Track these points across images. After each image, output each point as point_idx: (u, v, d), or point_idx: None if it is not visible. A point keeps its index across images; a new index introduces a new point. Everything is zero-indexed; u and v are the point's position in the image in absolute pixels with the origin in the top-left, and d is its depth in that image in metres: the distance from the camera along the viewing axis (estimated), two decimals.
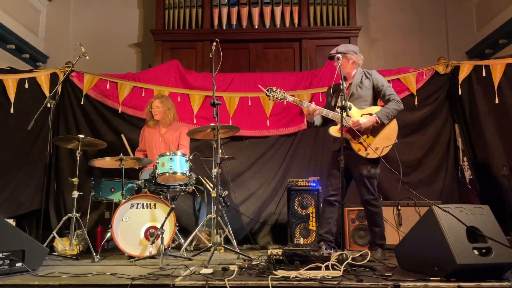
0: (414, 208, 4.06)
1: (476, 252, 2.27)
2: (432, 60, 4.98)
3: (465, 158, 4.89)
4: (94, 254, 3.34)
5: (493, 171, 4.39)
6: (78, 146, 3.74)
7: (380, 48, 6.48)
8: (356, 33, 5.93)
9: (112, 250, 3.86)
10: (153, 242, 3.35)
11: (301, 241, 4.08)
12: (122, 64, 6.12)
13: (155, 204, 3.58)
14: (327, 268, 2.44)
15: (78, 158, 3.73)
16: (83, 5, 6.64)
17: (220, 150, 3.46)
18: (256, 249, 4.14)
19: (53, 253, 3.61)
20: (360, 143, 3.37)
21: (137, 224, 3.51)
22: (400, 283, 2.18)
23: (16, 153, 4.58)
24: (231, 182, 4.47)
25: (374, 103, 3.54)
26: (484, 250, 2.29)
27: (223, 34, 5.87)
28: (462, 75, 4.66)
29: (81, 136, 3.75)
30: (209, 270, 2.53)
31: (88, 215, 3.87)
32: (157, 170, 3.68)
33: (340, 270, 2.40)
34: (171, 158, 3.66)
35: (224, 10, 5.99)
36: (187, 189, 3.86)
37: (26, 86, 4.70)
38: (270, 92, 3.50)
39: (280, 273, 2.36)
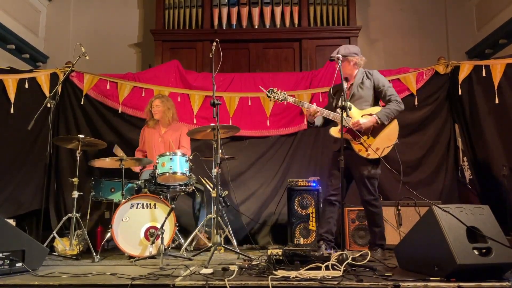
0: (414, 208, 4.06)
1: (476, 252, 2.27)
2: (432, 60, 4.98)
3: (465, 158, 4.89)
4: (94, 254, 3.34)
5: (493, 171, 4.39)
6: (78, 146, 3.74)
7: (380, 48, 6.48)
8: (356, 33, 5.93)
9: (112, 250, 3.86)
10: (153, 242, 3.35)
11: (301, 241, 4.08)
12: (122, 64, 6.13)
13: (155, 204, 3.58)
14: (327, 268, 2.44)
15: (78, 158, 3.73)
16: (83, 5, 6.64)
17: (220, 150, 3.46)
18: (256, 249, 4.14)
19: (53, 253, 3.61)
20: (361, 143, 3.37)
21: (137, 224, 3.51)
22: (400, 283, 2.18)
23: (16, 153, 4.58)
24: (231, 182, 4.47)
25: (375, 103, 3.53)
26: (484, 250, 2.29)
27: (223, 34, 5.87)
28: (462, 75, 4.66)
29: (81, 136, 3.75)
30: (209, 270, 2.53)
31: (88, 215, 3.87)
32: (157, 170, 3.68)
33: (340, 270, 2.40)
34: (171, 158, 3.66)
35: (224, 10, 5.99)
36: (187, 189, 3.86)
37: (26, 86, 4.71)
38: (271, 93, 3.50)
39: (280, 273, 2.36)
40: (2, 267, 2.58)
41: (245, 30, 6.02)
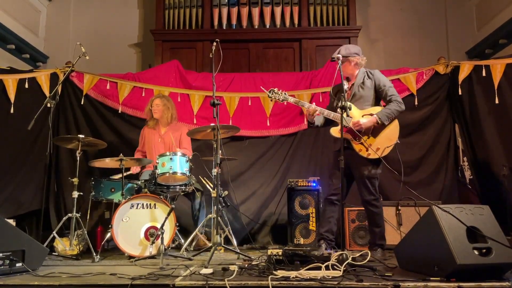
0: (414, 208, 4.06)
1: (476, 252, 2.27)
2: (432, 60, 4.98)
3: (465, 158, 4.89)
4: (94, 254, 3.34)
5: (493, 171, 4.39)
6: (78, 146, 3.74)
7: (380, 48, 6.48)
8: (356, 33, 5.93)
9: (112, 250, 3.86)
10: (153, 242, 3.35)
11: (301, 241, 4.09)
12: (122, 64, 6.13)
13: (155, 204, 3.58)
14: (327, 268, 2.44)
15: (78, 158, 3.73)
16: (83, 5, 6.64)
17: (220, 151, 3.46)
18: (256, 249, 4.14)
19: (53, 253, 3.61)
20: (361, 143, 3.37)
21: (137, 224, 3.51)
22: (400, 283, 2.18)
23: (16, 153, 4.58)
24: (231, 182, 4.47)
25: (376, 103, 3.53)
26: (484, 250, 2.29)
27: (223, 34, 5.87)
28: (462, 75, 4.66)
29: (81, 136, 3.75)
30: (209, 270, 2.53)
31: (88, 215, 3.87)
32: (157, 170, 3.68)
33: (340, 270, 2.40)
34: (171, 158, 3.66)
35: (224, 10, 5.99)
36: (187, 189, 3.86)
37: (26, 86, 4.71)
38: (272, 94, 3.50)
39: (280, 273, 2.36)
40: (2, 267, 2.57)
41: (245, 30, 6.02)
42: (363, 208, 3.70)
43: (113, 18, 6.55)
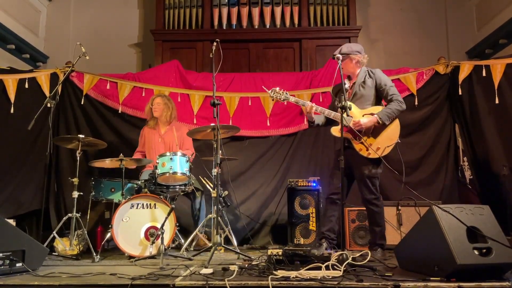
0: (415, 208, 4.06)
1: (476, 252, 2.27)
2: (432, 60, 4.99)
3: (465, 158, 4.89)
4: (94, 254, 3.34)
5: (493, 171, 4.40)
6: (78, 146, 3.74)
7: (380, 48, 6.48)
8: (356, 33, 5.93)
9: (112, 250, 3.86)
10: (153, 242, 3.35)
11: (301, 241, 4.08)
12: (122, 64, 6.12)
13: (155, 204, 3.58)
14: (327, 268, 2.44)
15: (78, 158, 3.73)
16: (83, 5, 6.64)
17: (220, 151, 3.46)
18: (256, 249, 4.14)
19: (53, 253, 3.61)
20: (362, 143, 3.37)
21: (137, 224, 3.51)
22: (400, 283, 2.18)
23: (16, 153, 4.58)
24: (231, 182, 4.47)
25: (378, 102, 3.52)
26: (484, 250, 2.29)
27: (223, 34, 5.86)
28: (462, 75, 4.66)
29: (81, 136, 3.76)
30: (209, 270, 2.53)
31: (88, 215, 3.87)
32: (157, 170, 3.68)
33: (340, 270, 2.40)
34: (171, 158, 3.66)
35: (224, 10, 5.99)
36: (187, 189, 3.86)
37: (26, 86, 4.71)
38: (274, 93, 3.50)
39: (280, 273, 2.36)
40: (2, 267, 2.57)
41: (245, 30, 6.02)
42: (363, 208, 3.70)
43: (113, 18, 6.55)
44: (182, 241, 3.81)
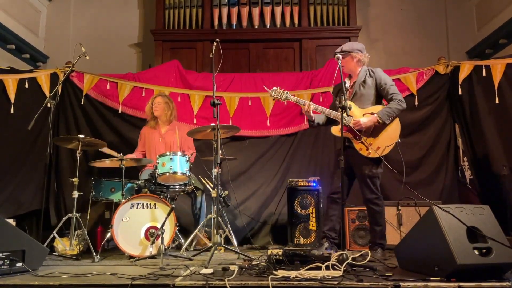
0: (415, 208, 4.06)
1: (476, 252, 2.27)
2: (432, 60, 4.99)
3: (465, 158, 4.89)
4: (94, 254, 3.34)
5: (493, 171, 4.39)
6: (78, 146, 3.74)
7: (380, 48, 6.48)
8: (356, 33, 5.93)
9: (112, 250, 3.86)
10: (153, 242, 3.35)
11: (301, 241, 4.08)
12: (122, 64, 6.13)
13: (155, 204, 3.58)
14: (327, 268, 2.44)
15: (78, 158, 3.73)
16: (83, 5, 6.64)
17: (220, 151, 3.46)
18: (256, 249, 4.14)
19: (53, 253, 3.61)
20: (362, 142, 3.37)
21: (137, 224, 3.51)
22: (400, 283, 2.18)
23: (16, 153, 4.58)
24: (231, 182, 4.47)
25: (378, 102, 3.51)
26: (484, 250, 2.29)
27: (223, 34, 5.86)
28: (462, 75, 4.66)
29: (81, 136, 3.75)
30: (209, 270, 2.53)
31: (88, 215, 3.87)
32: (157, 170, 3.68)
33: (340, 270, 2.40)
34: (171, 158, 3.66)
35: (224, 10, 5.99)
36: (187, 189, 3.86)
37: (26, 86, 4.71)
38: (274, 93, 3.50)
39: (280, 273, 2.36)
40: (2, 267, 2.57)
41: (245, 30, 6.02)
42: (363, 208, 3.70)
43: (113, 18, 6.55)
44: (182, 241, 3.81)
